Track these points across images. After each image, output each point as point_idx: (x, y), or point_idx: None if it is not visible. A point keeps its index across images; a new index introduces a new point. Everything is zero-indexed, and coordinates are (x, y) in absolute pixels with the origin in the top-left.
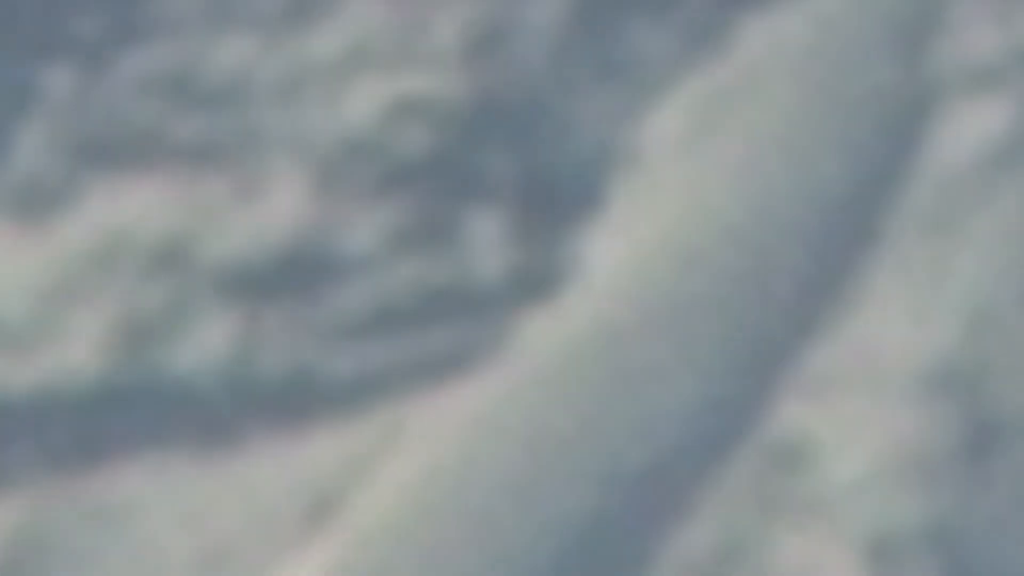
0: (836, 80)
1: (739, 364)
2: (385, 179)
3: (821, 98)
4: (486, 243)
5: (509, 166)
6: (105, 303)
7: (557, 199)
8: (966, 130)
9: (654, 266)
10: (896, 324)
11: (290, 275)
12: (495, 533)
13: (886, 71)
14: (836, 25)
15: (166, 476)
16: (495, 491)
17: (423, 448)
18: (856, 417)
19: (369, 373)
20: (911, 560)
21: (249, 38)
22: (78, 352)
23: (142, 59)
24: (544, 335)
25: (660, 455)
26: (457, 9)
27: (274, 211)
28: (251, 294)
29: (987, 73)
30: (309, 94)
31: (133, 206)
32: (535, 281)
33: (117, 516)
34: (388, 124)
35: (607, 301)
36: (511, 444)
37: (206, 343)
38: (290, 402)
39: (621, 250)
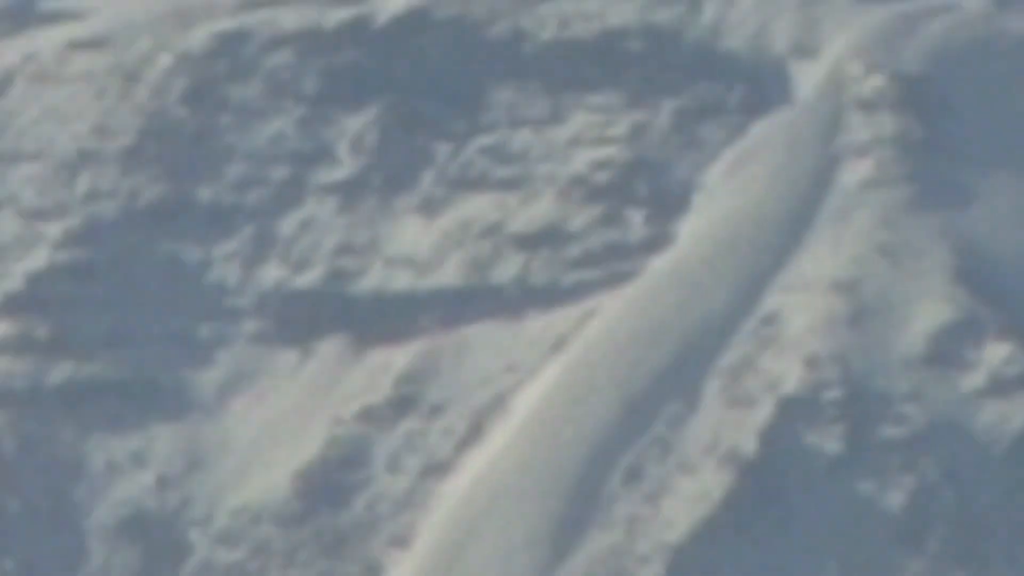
0: (791, 150)
1: (752, 277)
2: (590, 194)
3: (785, 160)
4: (635, 224)
5: (646, 188)
6: (463, 250)
7: (667, 204)
8: (852, 174)
9: (712, 236)
10: (822, 259)
11: (546, 238)
12: (640, 353)
13: (815, 149)
14: (793, 127)
15: (489, 330)
16: (640, 332)
17: (606, 319)
18: (803, 302)
19: (581, 284)
20: (827, 367)
21: (529, 130)
22: (450, 273)
23: (484, 139)
24: (661, 267)
25: (712, 320)
26: (622, 119)
27: (540, 211)
28: (529, 247)
29: (862, 148)
30: (557, 156)
31: (480, 207)
32: (656, 243)
33: (463, 353)
34: (594, 170)
35: (688, 252)
36: (648, 314)
37: (508, 270)
38: (547, 296)
39: (696, 228)
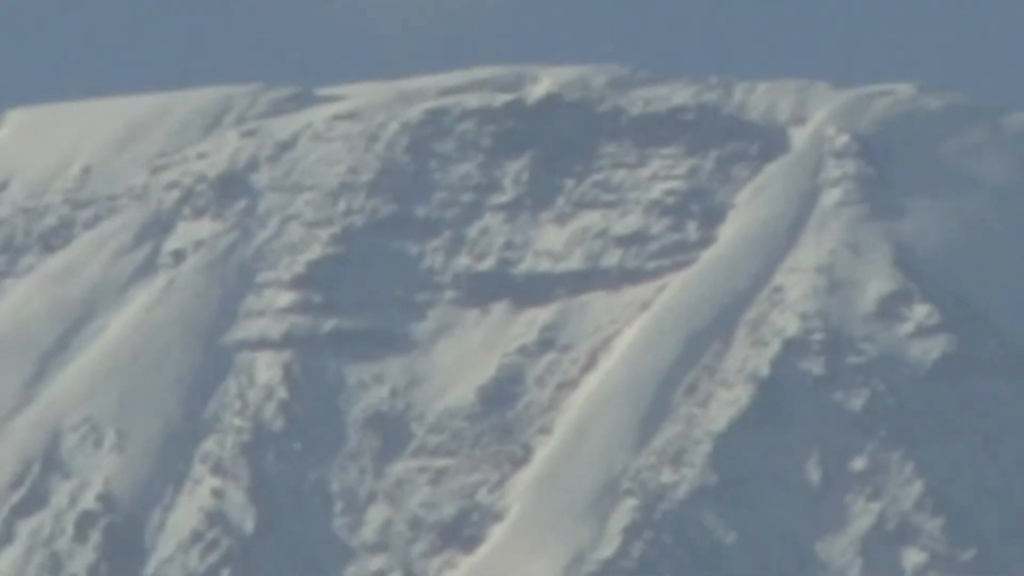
0: (790, 183)
1: (767, 263)
2: (663, 211)
3: (787, 189)
4: (692, 230)
5: (699, 207)
6: (583, 247)
7: (712, 217)
8: (829, 198)
9: (741, 237)
10: (810, 251)
11: (635, 239)
12: (695, 312)
13: (805, 182)
14: (791, 168)
15: (600, 297)
16: (695, 299)
17: (673, 290)
18: (799, 278)
19: (658, 268)
20: (814, 320)
21: (624, 170)
22: (575, 261)
23: (596, 176)
24: (708, 257)
25: (742, 290)
26: (683, 164)
27: (632, 222)
28: (624, 244)
29: (835, 182)
30: (642, 187)
31: (593, 219)
32: (705, 242)
33: (583, 311)
34: (665, 195)
35: (726, 248)
36: (700, 287)
37: (612, 259)
38: (636, 276)
39: (731, 232)
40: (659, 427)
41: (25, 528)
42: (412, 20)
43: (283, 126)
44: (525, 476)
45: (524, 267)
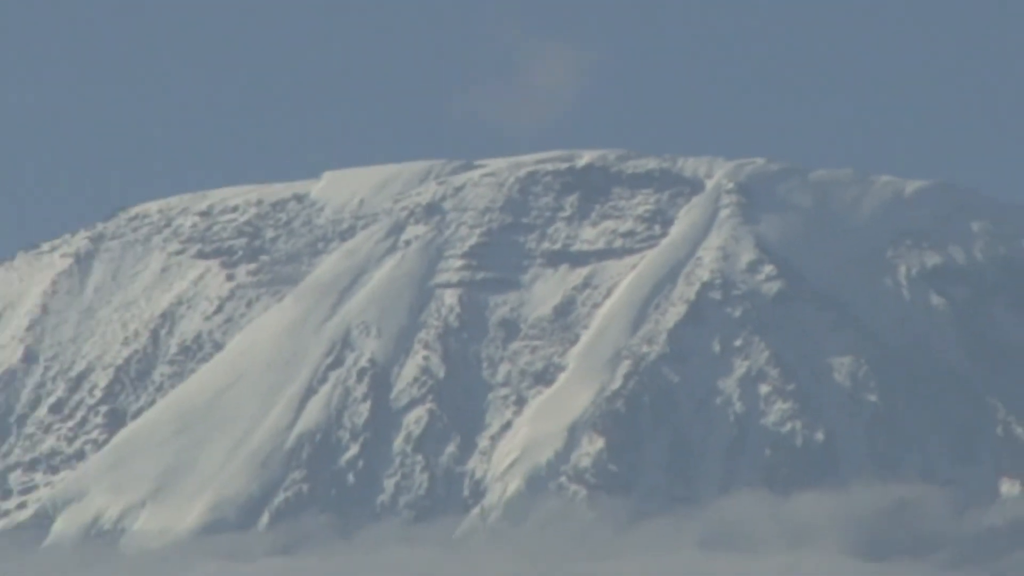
0: (705, 206)
1: (693, 246)
2: (635, 222)
3: (702, 209)
4: (656, 231)
5: (660, 219)
6: (601, 233)
7: (667, 223)
8: (725, 210)
9: (681, 234)
10: (713, 241)
11: (614, 236)
12: (652, 275)
13: (711, 204)
14: (706, 199)
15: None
16: (649, 269)
17: (643, 262)
18: (710, 253)
19: (633, 248)
20: (711, 274)
21: (616, 202)
22: (594, 241)
23: (596, 207)
24: (665, 242)
25: (672, 261)
26: (652, 199)
27: (609, 226)
28: (611, 238)
29: (728, 203)
30: (616, 215)
31: (592, 234)
32: (664, 235)
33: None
34: (642, 214)
35: (674, 238)
36: (656, 263)
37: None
38: (619, 255)
39: (676, 232)
40: (641, 324)
41: (332, 376)
42: (518, 127)
43: (458, 180)
44: (576, 349)
45: (576, 247)
